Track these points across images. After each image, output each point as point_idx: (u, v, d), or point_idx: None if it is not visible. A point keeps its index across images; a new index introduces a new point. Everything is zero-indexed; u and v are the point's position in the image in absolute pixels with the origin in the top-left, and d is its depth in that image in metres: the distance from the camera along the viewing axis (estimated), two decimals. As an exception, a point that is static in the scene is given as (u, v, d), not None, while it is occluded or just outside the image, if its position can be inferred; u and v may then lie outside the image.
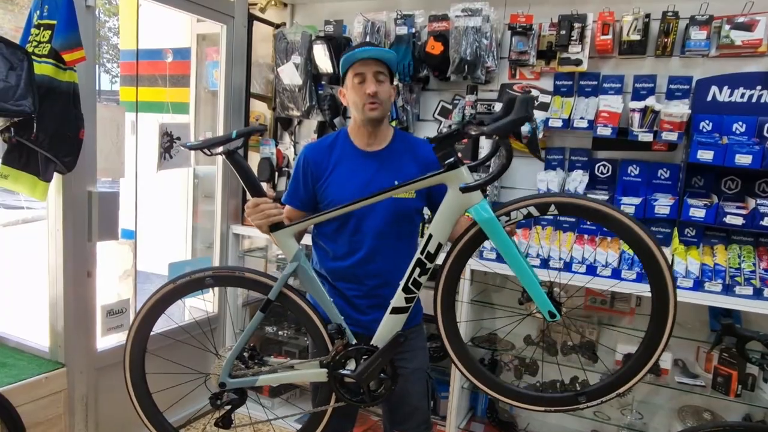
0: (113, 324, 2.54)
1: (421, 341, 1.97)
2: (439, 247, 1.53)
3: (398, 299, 1.59)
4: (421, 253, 1.54)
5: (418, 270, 1.56)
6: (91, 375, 2.47)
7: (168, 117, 3.02)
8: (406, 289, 1.58)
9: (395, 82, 1.87)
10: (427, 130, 2.93)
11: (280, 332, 3.25)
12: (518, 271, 1.45)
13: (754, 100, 2.32)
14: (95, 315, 2.46)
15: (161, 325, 3.15)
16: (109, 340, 2.61)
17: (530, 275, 1.45)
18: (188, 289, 1.81)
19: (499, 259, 2.44)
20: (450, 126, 2.80)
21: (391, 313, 1.61)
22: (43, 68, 1.96)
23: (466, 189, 1.43)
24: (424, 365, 1.94)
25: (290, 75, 3.03)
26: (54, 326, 2.36)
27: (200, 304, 3.44)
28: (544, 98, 2.58)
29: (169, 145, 2.83)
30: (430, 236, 1.53)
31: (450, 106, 2.83)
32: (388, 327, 1.63)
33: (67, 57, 1.99)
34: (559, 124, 2.47)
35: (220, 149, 1.64)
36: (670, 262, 1.38)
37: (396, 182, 1.66)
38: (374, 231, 1.76)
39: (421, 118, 2.97)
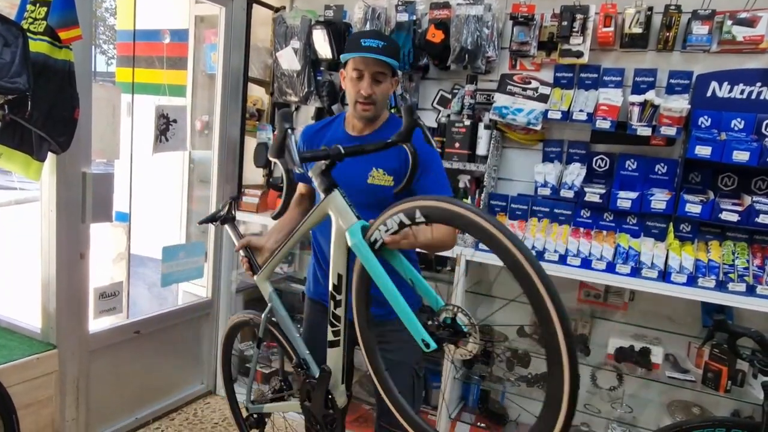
0: (106, 307, 2.53)
1: (408, 334, 1.96)
2: (340, 277, 1.53)
3: (328, 334, 1.63)
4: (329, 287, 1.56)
5: (332, 304, 1.57)
6: (83, 357, 2.47)
7: (164, 99, 2.99)
8: (330, 323, 1.60)
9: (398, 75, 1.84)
10: (426, 119, 2.91)
11: (273, 318, 3.24)
12: (388, 295, 1.33)
13: (753, 96, 2.32)
14: (88, 297, 2.45)
15: (156, 308, 3.18)
16: (101, 323, 2.61)
17: (400, 302, 1.31)
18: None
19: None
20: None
21: (328, 347, 1.65)
22: (38, 46, 1.93)
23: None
24: (410, 360, 1.87)
25: (289, 60, 3.00)
26: (46, 307, 2.35)
27: (194, 289, 3.44)
28: (544, 90, 2.56)
29: (165, 127, 2.81)
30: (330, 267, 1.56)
31: (449, 96, 2.81)
32: (331, 361, 1.68)
33: (63, 35, 1.96)
34: (558, 116, 2.46)
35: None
36: (557, 294, 1.02)
37: (374, 168, 1.76)
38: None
39: (420, 107, 2.95)
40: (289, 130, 1.36)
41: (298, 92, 3.06)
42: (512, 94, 2.59)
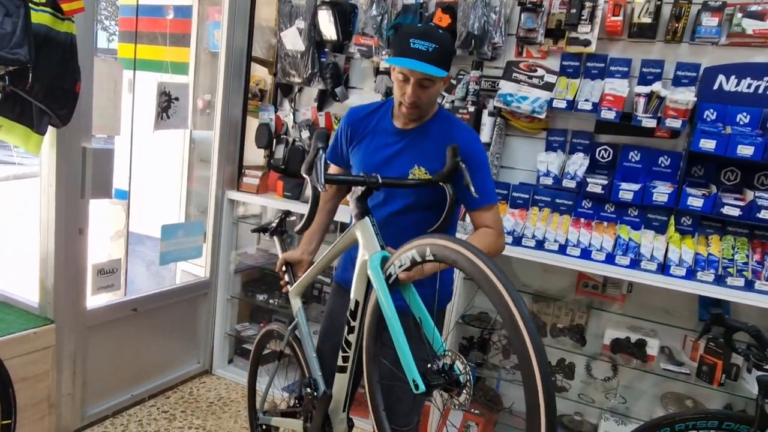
0: (103, 283, 2.53)
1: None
2: (357, 304, 1.54)
3: (338, 358, 1.64)
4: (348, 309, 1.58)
5: (346, 329, 1.58)
6: (81, 333, 2.47)
7: (166, 77, 2.96)
8: (341, 348, 1.61)
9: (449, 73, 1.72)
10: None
11: (270, 300, 3.26)
12: (392, 329, 1.33)
13: (760, 91, 2.30)
14: (86, 273, 2.45)
15: (153, 287, 3.18)
16: (99, 299, 2.60)
17: (401, 341, 1.31)
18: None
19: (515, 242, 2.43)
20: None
21: (336, 371, 1.67)
22: (40, 17, 1.90)
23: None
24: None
25: (293, 40, 2.97)
26: (44, 282, 2.35)
27: (192, 269, 3.44)
28: (550, 78, 2.54)
29: (166, 104, 2.78)
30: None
31: (454, 82, 2.78)
32: (336, 385, 1.70)
33: (65, 6, 1.93)
34: (563, 105, 2.44)
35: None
36: (542, 351, 1.00)
37: (416, 166, 1.68)
38: (388, 208, 1.75)
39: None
40: (321, 151, 1.40)
41: (301, 73, 3.04)
42: (518, 81, 2.57)
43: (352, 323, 1.56)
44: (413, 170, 1.70)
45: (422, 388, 1.23)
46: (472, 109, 2.63)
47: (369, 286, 1.49)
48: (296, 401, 1.97)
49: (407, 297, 1.43)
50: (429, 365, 1.27)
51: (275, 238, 2.15)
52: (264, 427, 2.20)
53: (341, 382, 1.69)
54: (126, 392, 2.82)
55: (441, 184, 1.56)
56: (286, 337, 2.00)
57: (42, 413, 2.35)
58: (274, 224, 2.15)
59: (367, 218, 1.51)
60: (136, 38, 3.37)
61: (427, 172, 1.68)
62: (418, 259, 1.30)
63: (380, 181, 1.50)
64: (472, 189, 1.49)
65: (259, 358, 2.31)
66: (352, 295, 1.56)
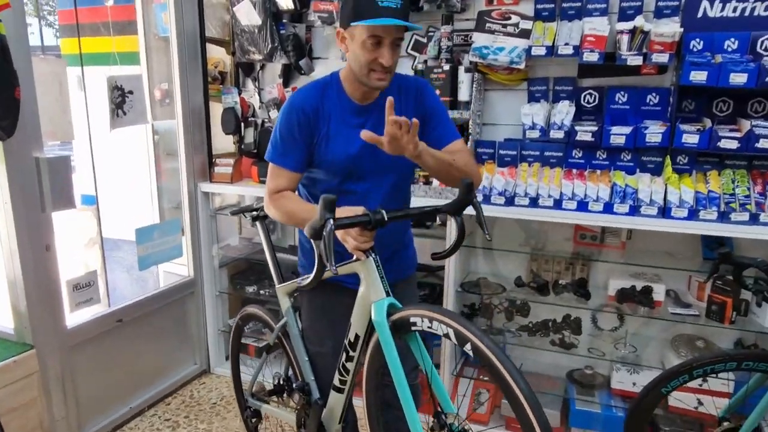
0: (82, 298, 2.38)
1: (412, 290, 1.90)
2: (357, 337, 1.56)
3: (335, 380, 1.67)
4: (346, 338, 1.59)
5: (344, 356, 1.61)
6: (64, 353, 2.33)
7: (116, 69, 2.74)
8: (339, 372, 1.64)
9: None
10: (401, 67, 2.71)
11: (261, 291, 3.14)
12: (396, 380, 1.41)
13: (746, 13, 2.18)
14: (60, 291, 2.29)
15: (137, 294, 3.03)
16: (80, 316, 2.46)
17: (407, 395, 1.40)
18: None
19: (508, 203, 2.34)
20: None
21: (332, 390, 1.69)
22: (-42, 19, 1.69)
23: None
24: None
25: (247, 14, 2.76)
26: (16, 306, 2.19)
27: (175, 269, 3.29)
28: (525, 24, 2.39)
29: (120, 100, 2.58)
30: (350, 325, 1.57)
31: (424, 40, 2.62)
32: (332, 402, 1.72)
33: (-14, 4, 1.72)
34: (542, 52, 2.30)
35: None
36: None
37: None
38: (380, 190, 1.67)
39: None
40: (330, 221, 1.28)
41: (261, 49, 2.84)
42: (492, 32, 2.41)
43: (351, 353, 1.58)
44: None
45: None
46: (447, 67, 2.48)
47: (370, 322, 1.49)
48: (282, 383, 2.04)
49: (414, 348, 1.45)
50: (434, 419, 1.37)
51: (257, 223, 2.05)
52: (252, 409, 2.21)
53: (337, 400, 1.69)
54: (124, 405, 2.71)
55: (450, 216, 1.53)
56: (276, 333, 1.99)
57: (36, 441, 2.23)
58: (256, 210, 2.04)
59: (371, 259, 1.45)
60: (79, 31, 3.13)
61: None
62: (429, 330, 1.34)
63: (386, 218, 1.39)
64: (486, 230, 1.51)
65: (239, 341, 2.36)
66: (352, 328, 1.56)
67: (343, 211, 1.40)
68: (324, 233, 1.27)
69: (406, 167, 1.66)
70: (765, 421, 2.09)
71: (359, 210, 1.41)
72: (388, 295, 1.45)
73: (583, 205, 2.26)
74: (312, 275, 1.45)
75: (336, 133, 1.60)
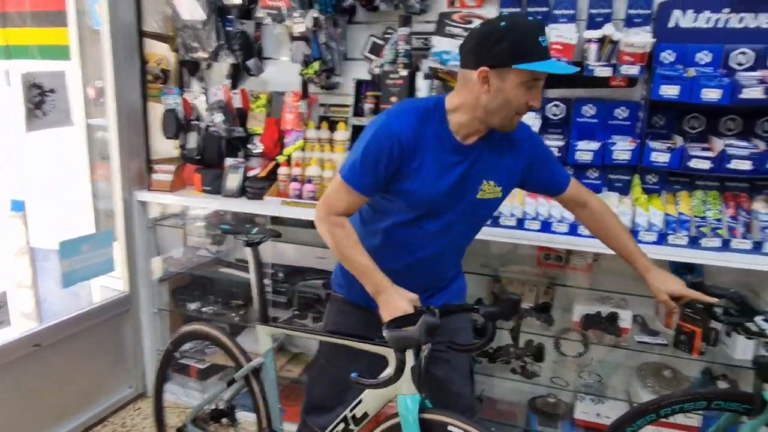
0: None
1: (464, 320, 1.77)
2: (365, 416, 1.50)
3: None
4: (350, 410, 1.52)
5: (342, 425, 1.54)
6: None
7: (37, 64, 2.46)
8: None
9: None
10: (357, 71, 2.54)
11: (204, 309, 2.90)
12: None
13: (720, 25, 2.05)
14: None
15: (67, 310, 2.75)
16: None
17: None
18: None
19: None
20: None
21: None
22: None
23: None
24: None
25: (190, 8, 2.53)
26: None
27: (112, 282, 3.01)
28: (489, 29, 2.22)
29: (39, 99, 2.31)
30: (361, 401, 1.49)
31: (381, 42, 2.43)
32: None
33: None
34: (506, 59, 2.13)
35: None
36: None
37: (485, 182, 1.51)
38: (449, 235, 1.57)
39: (349, 56, 2.56)
40: (428, 347, 1.41)
41: (206, 46, 2.61)
42: (453, 36, 2.23)
43: (351, 427, 1.52)
44: (483, 186, 1.51)
45: None
46: (404, 72, 2.29)
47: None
48: (224, 414, 1.95)
49: None
50: None
51: (249, 250, 1.85)
52: None
53: None
54: (43, 438, 2.43)
55: (486, 319, 1.45)
56: (244, 371, 1.83)
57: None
58: (257, 236, 1.85)
59: (412, 355, 1.35)
60: (5, 21, 2.84)
61: (496, 185, 1.53)
62: None
63: (438, 323, 1.29)
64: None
65: (165, 371, 2.17)
66: (362, 404, 1.49)
67: (392, 305, 1.38)
68: (418, 357, 1.34)
69: (483, 219, 1.65)
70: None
71: (410, 305, 1.37)
72: (420, 392, 1.38)
73: (546, 226, 2.10)
74: (381, 379, 1.37)
75: (429, 169, 1.46)
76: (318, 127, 2.53)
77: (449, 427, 1.33)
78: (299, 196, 2.43)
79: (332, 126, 2.51)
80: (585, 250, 2.11)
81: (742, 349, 1.97)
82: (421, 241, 1.53)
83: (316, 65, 2.42)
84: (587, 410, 2.32)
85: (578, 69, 1.51)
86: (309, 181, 2.42)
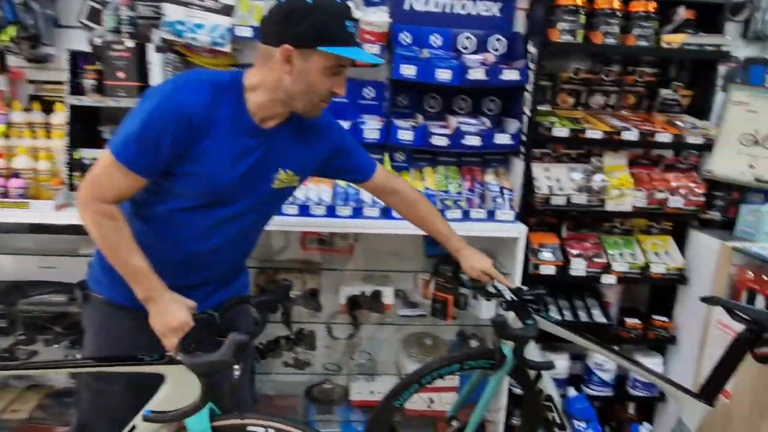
0: None
1: (245, 315, 1.49)
2: None
3: None
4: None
5: None
6: None
7: None
8: None
9: None
10: (72, 40, 2.11)
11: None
12: None
13: (448, 10, 2.20)
14: None
15: None
16: None
17: None
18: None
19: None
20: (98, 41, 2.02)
21: None
22: None
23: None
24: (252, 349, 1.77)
25: None
26: None
27: None
28: (229, 0, 2.02)
29: None
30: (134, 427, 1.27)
31: (100, 7, 2.05)
32: None
33: None
34: (248, 33, 1.98)
35: None
36: None
37: (282, 170, 1.38)
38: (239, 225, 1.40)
39: (64, 23, 2.11)
40: (237, 370, 1.16)
41: None
42: (187, 4, 1.98)
43: None
44: (279, 175, 1.38)
45: None
46: (130, 44, 1.96)
47: None
48: None
49: None
50: None
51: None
52: None
53: None
54: None
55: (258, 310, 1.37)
56: None
57: None
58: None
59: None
60: None
61: (294, 174, 1.41)
62: None
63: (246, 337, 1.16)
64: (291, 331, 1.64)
65: None
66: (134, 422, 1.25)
67: (168, 315, 1.24)
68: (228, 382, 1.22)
69: (274, 209, 1.50)
70: (489, 412, 2.17)
71: (189, 314, 1.24)
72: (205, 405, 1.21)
73: (304, 209, 2.02)
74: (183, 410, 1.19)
75: (221, 152, 1.27)
76: (28, 109, 2.06)
77: (249, 428, 1.24)
78: (5, 195, 1.95)
79: (47, 107, 2.06)
80: (343, 231, 2.09)
81: (486, 310, 2.16)
82: (206, 231, 1.34)
83: (11, 30, 1.94)
84: (361, 390, 2.34)
85: (383, 61, 1.56)
86: (16, 176, 1.95)
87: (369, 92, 2.21)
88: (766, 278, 1.89)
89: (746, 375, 1.67)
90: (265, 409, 2.37)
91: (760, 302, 1.88)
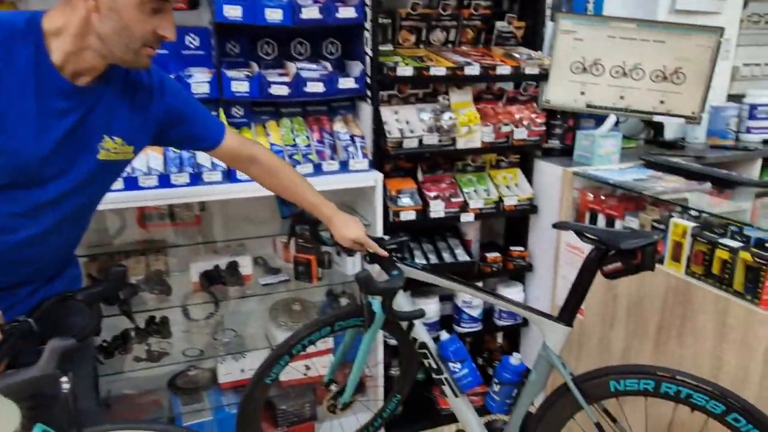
0: None
1: (79, 312, 1.24)
2: None
3: None
4: None
5: None
6: None
7: None
8: None
9: None
10: None
11: None
12: None
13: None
14: None
15: None
16: None
17: None
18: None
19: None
20: None
21: None
22: None
23: None
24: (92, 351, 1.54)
25: None
26: None
27: None
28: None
29: None
30: None
31: None
32: None
33: None
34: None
35: None
36: None
37: (107, 137, 1.15)
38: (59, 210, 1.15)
39: None
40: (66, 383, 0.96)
41: None
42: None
43: None
44: (104, 144, 1.15)
45: None
46: None
47: None
48: None
49: None
50: None
51: None
52: None
53: None
54: None
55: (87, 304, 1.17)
56: None
57: None
58: None
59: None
60: None
61: (125, 143, 1.19)
62: None
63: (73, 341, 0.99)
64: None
65: None
66: None
67: None
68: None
69: (103, 188, 1.27)
70: (367, 367, 2.13)
71: None
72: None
73: (131, 183, 1.73)
74: None
75: (20, 118, 1.03)
76: None
77: None
78: None
79: None
80: (179, 201, 1.85)
81: (351, 266, 2.08)
82: (13, 219, 1.09)
83: None
84: (230, 370, 2.16)
85: None
86: None
87: (192, 40, 1.94)
88: (603, 198, 2.03)
89: (595, 291, 1.78)
90: (126, 410, 2.12)
91: (601, 221, 2.01)
